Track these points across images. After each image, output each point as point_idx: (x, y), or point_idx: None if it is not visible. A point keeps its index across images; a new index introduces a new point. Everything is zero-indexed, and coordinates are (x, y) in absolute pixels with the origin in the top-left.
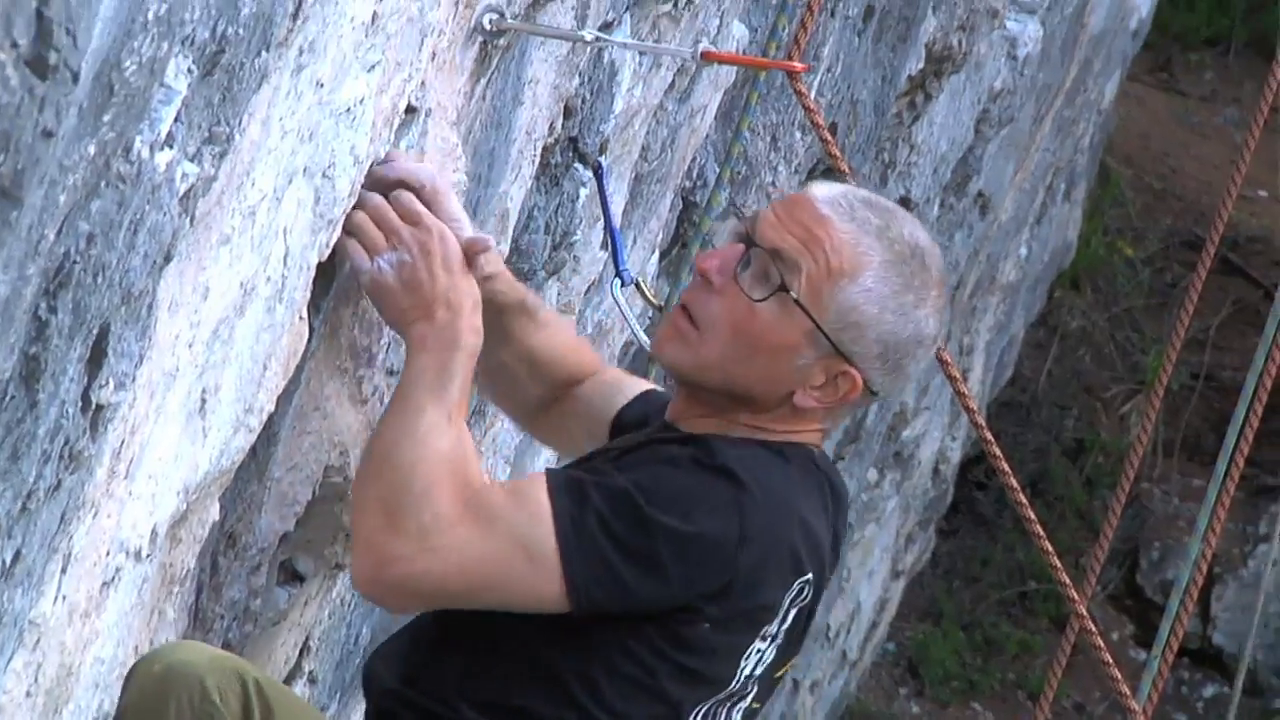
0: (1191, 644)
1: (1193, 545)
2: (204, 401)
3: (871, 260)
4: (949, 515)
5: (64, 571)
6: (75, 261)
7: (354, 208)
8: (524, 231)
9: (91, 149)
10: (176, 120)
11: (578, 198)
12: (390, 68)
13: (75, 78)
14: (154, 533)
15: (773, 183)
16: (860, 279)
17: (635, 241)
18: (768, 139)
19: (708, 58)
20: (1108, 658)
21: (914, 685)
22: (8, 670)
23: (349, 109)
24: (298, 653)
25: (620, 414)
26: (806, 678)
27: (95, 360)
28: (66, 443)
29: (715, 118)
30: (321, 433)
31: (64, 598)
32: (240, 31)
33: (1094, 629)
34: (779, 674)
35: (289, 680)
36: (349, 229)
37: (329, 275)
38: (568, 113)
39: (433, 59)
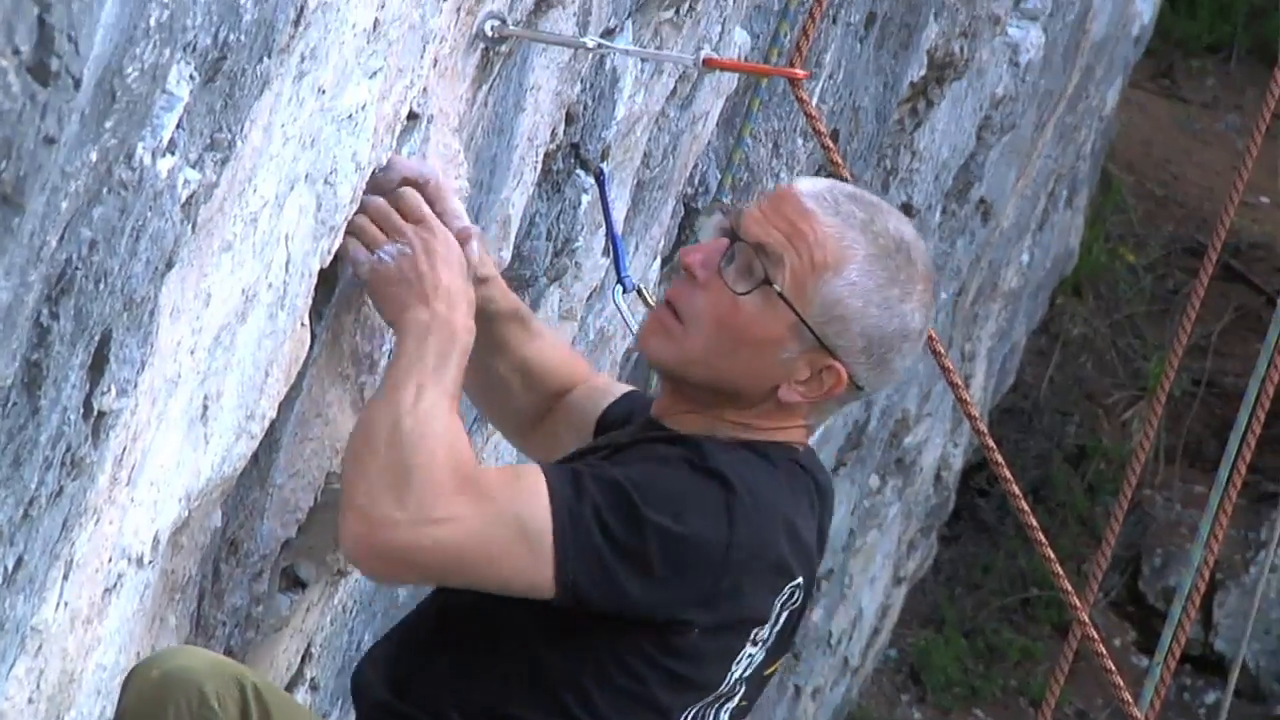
0: (1194, 650)
1: (1195, 552)
2: (206, 408)
3: (856, 254)
4: (951, 522)
5: (66, 578)
6: (77, 268)
7: (357, 211)
8: (526, 238)
9: (93, 155)
10: (178, 127)
11: (579, 204)
12: (392, 74)
13: (77, 84)
14: (156, 539)
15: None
16: (844, 272)
17: (637, 248)
18: (769, 145)
19: (710, 64)
20: (1110, 664)
21: (916, 692)
22: (10, 676)
23: (351, 115)
24: (299, 659)
25: (605, 413)
26: (808, 684)
27: (97, 367)
28: (68, 449)
29: (717, 124)
30: (323, 439)
31: (66, 604)
32: (242, 38)
33: (1096, 635)
34: (768, 673)
35: (291, 687)
36: (351, 230)
37: (331, 282)
38: (569, 119)
39: (435, 65)
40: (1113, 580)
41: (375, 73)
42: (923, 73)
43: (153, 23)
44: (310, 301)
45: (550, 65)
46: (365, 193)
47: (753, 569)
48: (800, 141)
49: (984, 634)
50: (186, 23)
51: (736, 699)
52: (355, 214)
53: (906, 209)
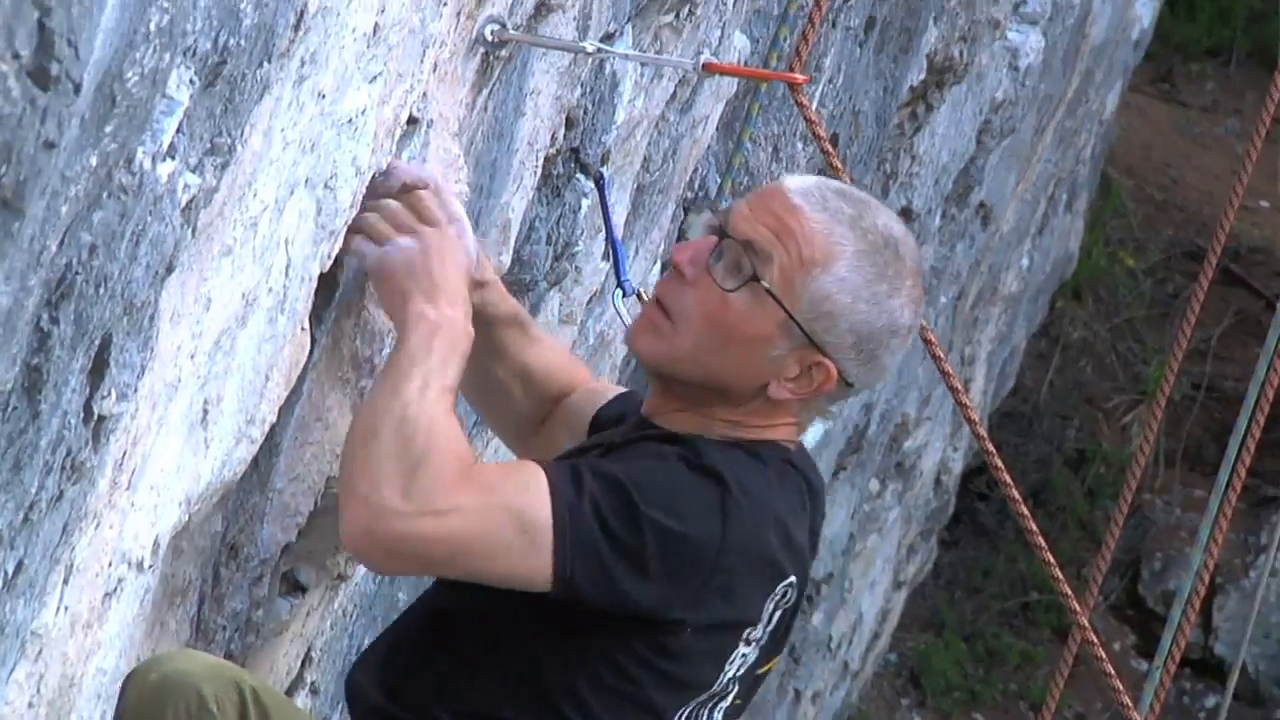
0: (1193, 654)
1: (1194, 556)
2: (206, 412)
3: (844, 250)
4: (951, 526)
5: (66, 582)
6: (77, 272)
7: (368, 210)
8: (526, 242)
9: (93, 160)
10: (178, 131)
11: (579, 208)
12: (392, 79)
13: (77, 89)
14: (156, 544)
15: None
16: (833, 268)
17: (637, 252)
18: (769, 150)
19: (709, 69)
20: (1110, 668)
21: (916, 696)
22: (10, 681)
23: (351, 120)
24: (300, 663)
25: (599, 413)
26: (808, 688)
27: (97, 371)
28: (68, 454)
29: (717, 128)
30: (323, 444)
31: (66, 608)
32: (242, 43)
33: (1096, 639)
34: (761, 671)
35: (291, 691)
36: (360, 225)
37: (331, 286)
38: (569, 124)
39: (434, 70)
40: (1112, 584)
41: (375, 77)
42: (922, 77)
43: (153, 27)
44: (310, 306)
45: (550, 70)
46: (370, 196)
47: (745, 568)
48: (800, 146)
49: (984, 638)
50: (186, 27)
51: (730, 698)
52: (366, 210)
53: (906, 213)
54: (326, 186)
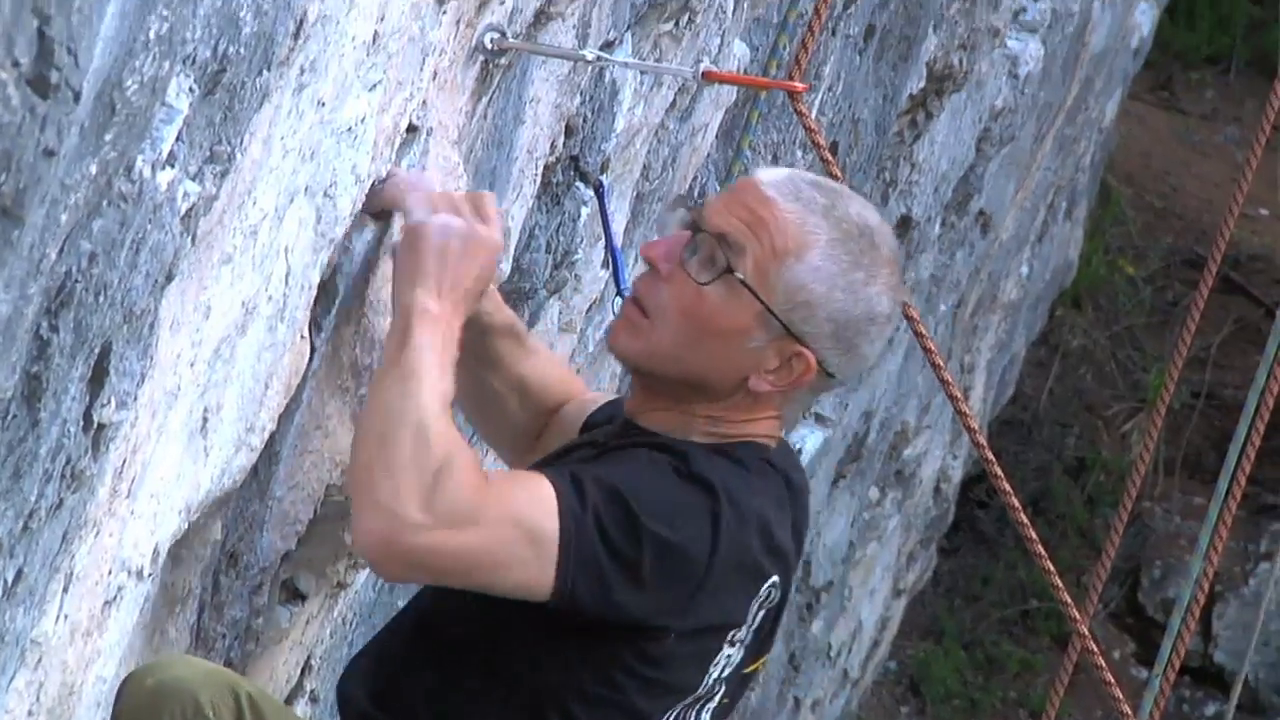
0: (1193, 662)
1: (1194, 564)
2: (206, 420)
3: (818, 239)
4: (950, 534)
5: (66, 590)
6: (77, 280)
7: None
8: (525, 250)
9: (93, 168)
10: (178, 139)
11: (579, 216)
12: (392, 87)
13: (77, 97)
14: (156, 552)
15: None
16: (807, 258)
17: (636, 260)
18: (769, 158)
19: (709, 77)
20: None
21: (915, 704)
22: (10, 689)
23: (350, 128)
24: (299, 671)
25: (589, 418)
26: (808, 696)
27: (97, 379)
28: (68, 462)
29: (716, 136)
30: (323, 452)
31: (66, 616)
32: (241, 51)
33: (1095, 647)
34: (749, 670)
35: (291, 699)
36: (417, 186)
37: (330, 294)
38: (569, 131)
39: (434, 78)
40: (1112, 592)
41: (375, 85)
42: (922, 85)
43: (152, 35)
44: (310, 314)
45: (550, 78)
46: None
47: (732, 575)
48: (799, 154)
49: (983, 646)
50: (186, 35)
51: (716, 699)
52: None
53: (906, 221)
54: (326, 194)
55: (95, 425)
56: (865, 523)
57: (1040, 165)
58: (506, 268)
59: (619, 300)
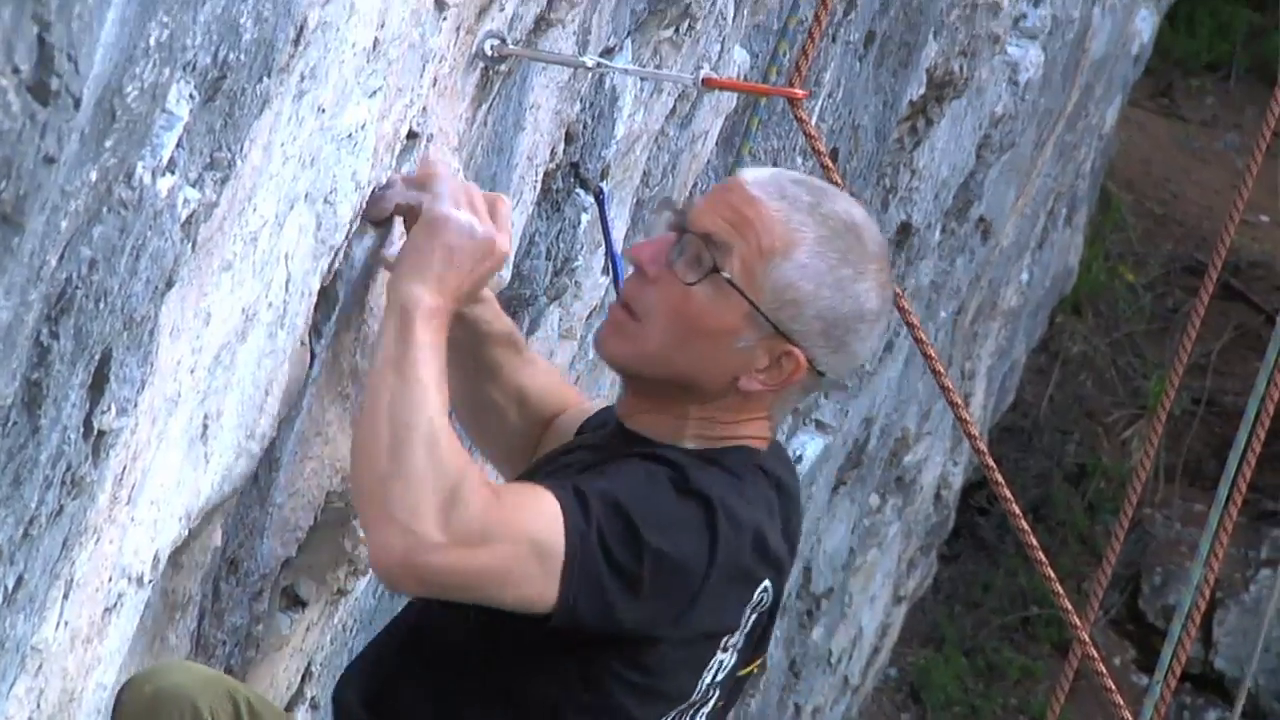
0: (1193, 669)
1: (1195, 570)
2: (206, 427)
3: (804, 236)
4: (951, 540)
5: (66, 597)
6: (77, 287)
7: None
8: (525, 257)
9: (93, 175)
10: (178, 146)
11: (579, 223)
12: (392, 93)
13: (77, 103)
14: (156, 558)
15: None
16: (794, 255)
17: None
18: (769, 164)
19: (709, 84)
20: (1110, 683)
21: (916, 711)
22: (10, 696)
23: (350, 134)
24: (300, 678)
25: (584, 424)
26: (809, 703)
27: (97, 386)
28: (68, 468)
29: (716, 143)
30: (323, 458)
31: (66, 623)
32: (242, 57)
33: (1096, 654)
34: (743, 673)
35: (291, 706)
36: (440, 174)
37: (331, 301)
38: (569, 138)
39: (434, 85)
40: (1113, 599)
41: (375, 92)
42: (922, 91)
43: (152, 42)
44: (310, 321)
45: (550, 84)
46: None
47: (727, 585)
48: (800, 160)
49: (984, 652)
50: (186, 42)
51: (711, 703)
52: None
53: (906, 228)
54: (326, 201)
55: (95, 432)
56: (866, 529)
57: (1040, 172)
58: (507, 274)
59: None
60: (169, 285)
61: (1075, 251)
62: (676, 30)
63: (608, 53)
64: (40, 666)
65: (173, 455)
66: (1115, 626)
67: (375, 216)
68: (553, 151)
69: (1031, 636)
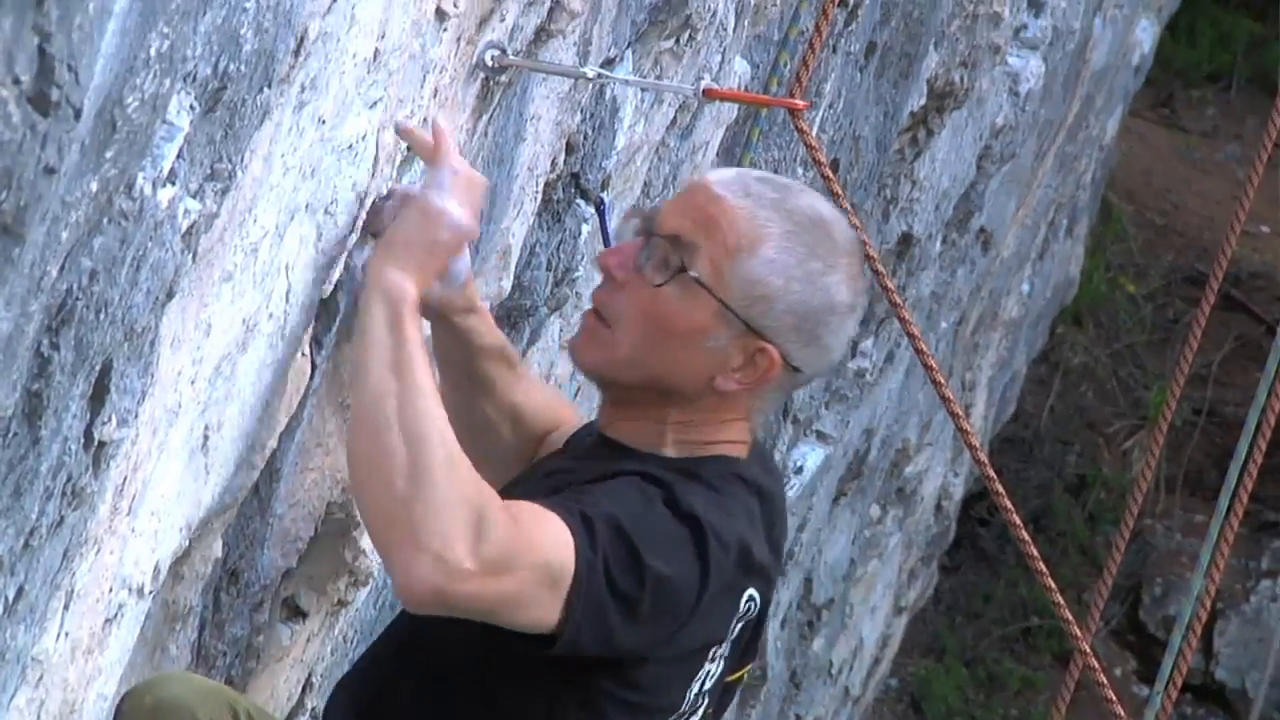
0: (1194, 680)
1: (1195, 581)
2: (206, 438)
3: (770, 232)
4: (951, 551)
5: (66, 608)
6: (77, 298)
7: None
8: (526, 268)
9: (94, 185)
10: (179, 157)
11: (580, 234)
12: (392, 104)
13: (77, 114)
14: (156, 569)
15: None
16: (760, 251)
17: None
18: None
19: (709, 95)
20: (1111, 694)
21: None
22: (10, 707)
23: (351, 145)
24: (300, 689)
25: (570, 438)
26: (809, 714)
27: (98, 397)
28: (69, 479)
29: (717, 154)
30: (324, 469)
31: (67, 634)
32: (242, 68)
33: (1097, 665)
34: (731, 679)
35: (291, 717)
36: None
37: (331, 311)
38: (570, 149)
39: (435, 95)
40: (1113, 609)
41: (375, 103)
42: (923, 102)
43: (153, 53)
44: (311, 331)
45: (550, 95)
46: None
47: (716, 602)
48: (800, 171)
49: (985, 663)
50: (187, 53)
51: (700, 712)
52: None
53: (907, 238)
54: (327, 212)
55: (96, 443)
56: (866, 540)
57: (1041, 182)
58: (507, 285)
59: None
60: (169, 296)
61: (1076, 262)
62: (677, 41)
63: (608, 63)
64: (41, 677)
65: (173, 466)
66: (1116, 637)
67: (376, 229)
68: (553, 162)
69: (1032, 647)
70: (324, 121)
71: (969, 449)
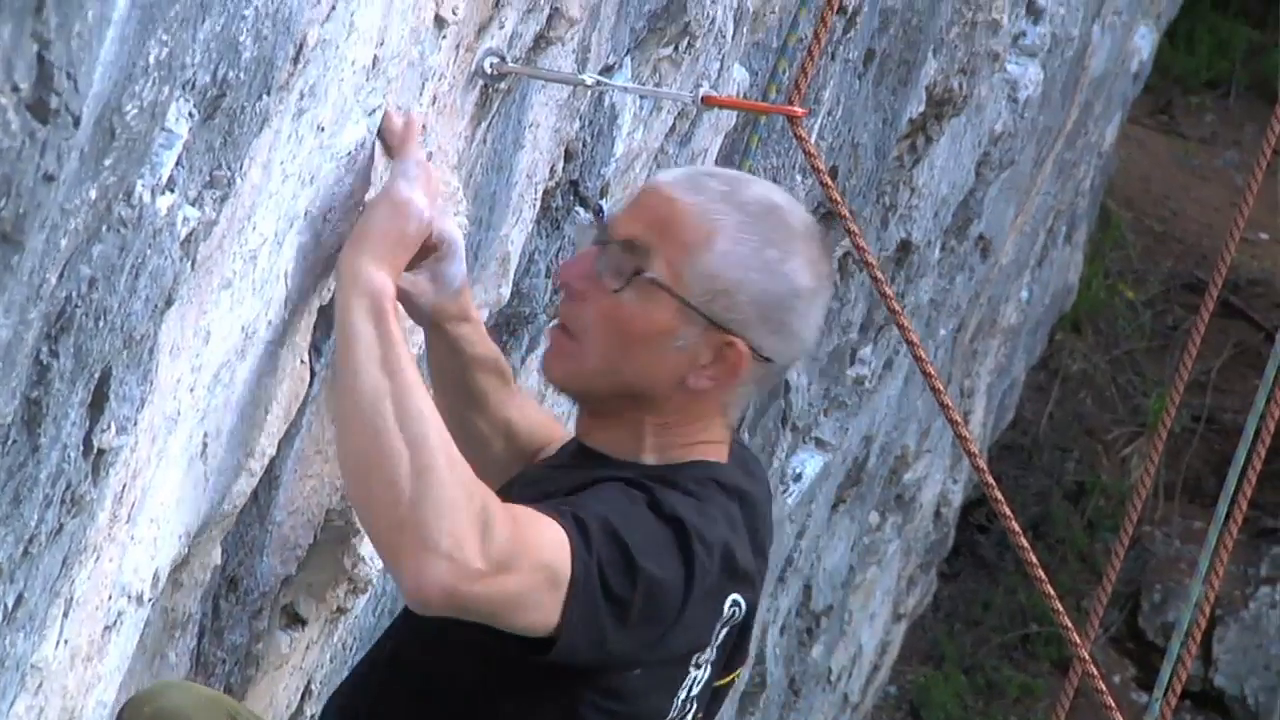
0: (1193, 686)
1: (1194, 588)
2: (205, 445)
3: (723, 224)
4: (950, 558)
5: (66, 615)
6: (76, 305)
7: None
8: (525, 275)
9: (93, 193)
10: (177, 164)
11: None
12: (391, 111)
13: (76, 122)
14: (156, 577)
15: None
16: (715, 245)
17: None
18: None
19: (708, 102)
20: (1110, 701)
21: None
22: (10, 715)
23: (350, 152)
24: (300, 697)
25: (556, 452)
26: None
27: (97, 404)
28: (68, 487)
29: (716, 161)
30: (323, 476)
31: (66, 641)
32: (241, 75)
33: (1096, 672)
34: (720, 684)
35: None
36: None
37: (330, 318)
38: (568, 156)
39: (433, 103)
40: (1112, 616)
41: (374, 110)
42: (921, 109)
43: (152, 60)
44: (310, 338)
45: (549, 102)
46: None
47: (700, 607)
48: (799, 178)
49: (984, 670)
50: (186, 60)
51: (690, 716)
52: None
53: (905, 245)
54: (326, 219)
55: (95, 450)
56: (865, 547)
57: (1040, 189)
58: (506, 292)
59: None
60: (168, 303)
61: (1075, 269)
62: (676, 48)
63: (607, 70)
64: (40, 685)
65: (173, 473)
66: (1115, 644)
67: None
68: (552, 169)
69: (1031, 654)
70: (323, 129)
71: (968, 456)
